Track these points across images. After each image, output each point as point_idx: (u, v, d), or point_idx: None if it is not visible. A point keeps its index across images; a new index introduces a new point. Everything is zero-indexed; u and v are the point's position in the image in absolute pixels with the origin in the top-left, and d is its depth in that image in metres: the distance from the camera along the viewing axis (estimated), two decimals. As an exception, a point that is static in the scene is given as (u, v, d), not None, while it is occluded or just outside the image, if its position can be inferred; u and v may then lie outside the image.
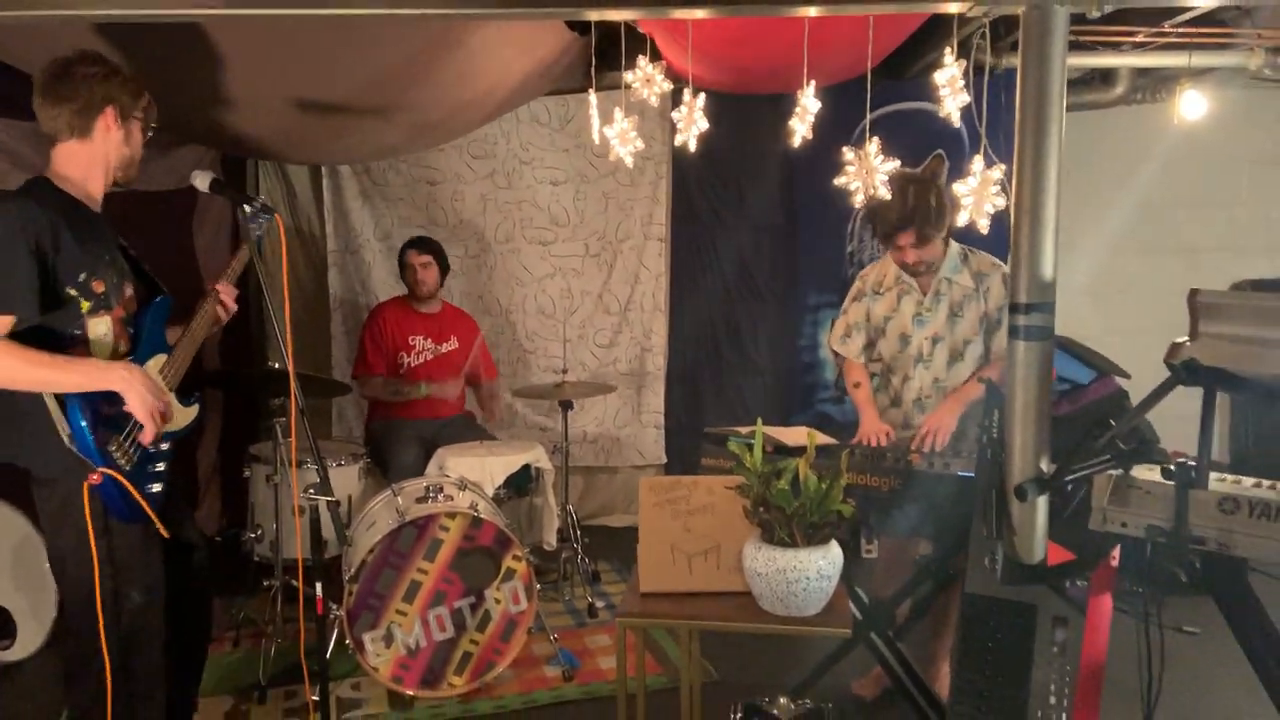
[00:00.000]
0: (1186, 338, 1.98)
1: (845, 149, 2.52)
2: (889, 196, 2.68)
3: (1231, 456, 4.31)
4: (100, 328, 2.31)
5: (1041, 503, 2.21)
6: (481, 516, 3.35)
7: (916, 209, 3.05)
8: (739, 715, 2.43)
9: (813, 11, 2.26)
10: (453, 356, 4.60)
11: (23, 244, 2.16)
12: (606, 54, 3.53)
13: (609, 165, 5.02)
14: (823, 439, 2.94)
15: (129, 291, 2.43)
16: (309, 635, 2.69)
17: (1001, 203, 2.38)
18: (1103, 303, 5.03)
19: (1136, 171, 5.16)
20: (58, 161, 2.36)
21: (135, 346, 2.42)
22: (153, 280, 2.56)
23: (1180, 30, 4.24)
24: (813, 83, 2.65)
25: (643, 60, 3.03)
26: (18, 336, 2.18)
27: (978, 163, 2.39)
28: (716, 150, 4.47)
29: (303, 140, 4.29)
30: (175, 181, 4.15)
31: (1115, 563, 2.26)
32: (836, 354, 3.48)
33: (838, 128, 3.13)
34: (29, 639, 3.58)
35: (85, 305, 2.28)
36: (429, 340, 4.55)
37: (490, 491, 3.75)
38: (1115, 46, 4.51)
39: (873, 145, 2.54)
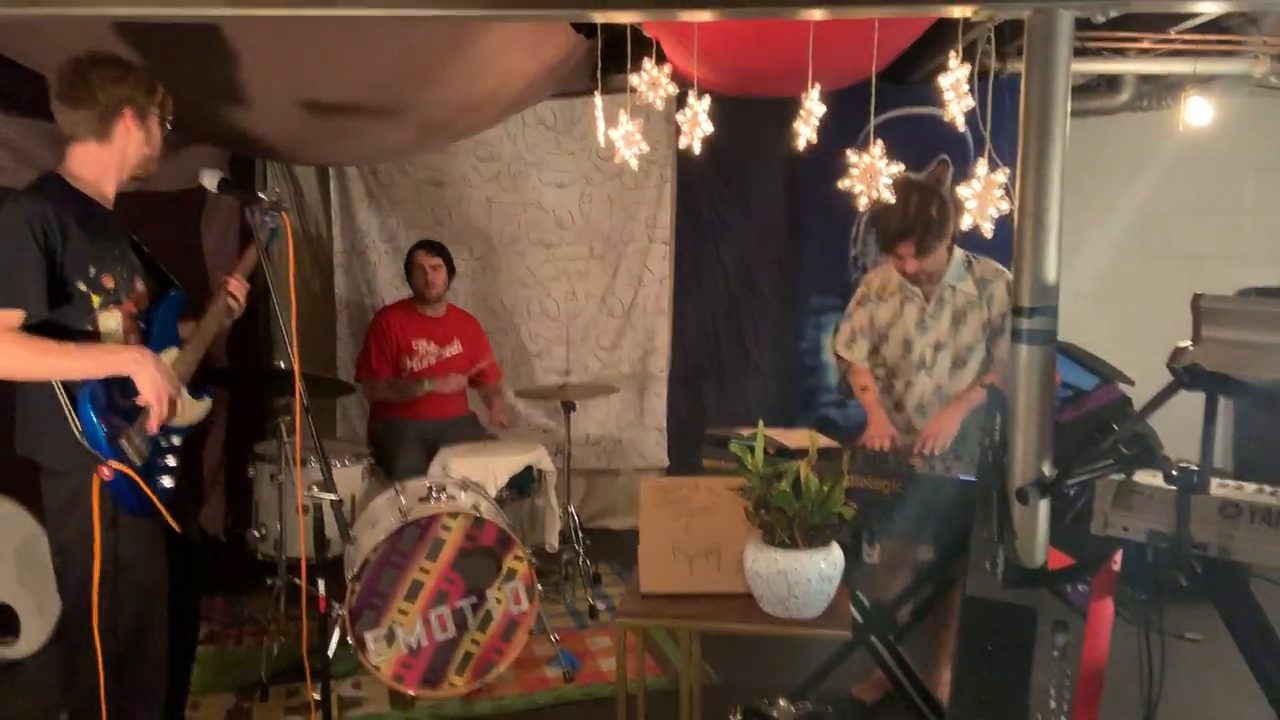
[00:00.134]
0: (1189, 342, 1.98)
1: (850, 152, 2.52)
2: (893, 200, 2.68)
3: (1235, 463, 4.31)
4: (111, 322, 2.32)
5: (1043, 506, 2.21)
6: (484, 517, 3.36)
7: (918, 219, 3.04)
8: (738, 717, 2.42)
9: (818, 14, 2.27)
10: (456, 361, 4.60)
11: (31, 240, 2.17)
12: (612, 57, 3.55)
13: (614, 168, 5.04)
14: (825, 441, 2.94)
15: (139, 287, 2.45)
16: (311, 634, 2.70)
17: (1005, 207, 2.38)
18: (1106, 309, 5.02)
19: (1141, 178, 5.15)
20: (73, 161, 2.37)
21: (146, 341, 2.43)
22: (165, 276, 2.58)
23: (1186, 37, 4.24)
24: (817, 86, 2.66)
25: (648, 63, 3.04)
26: (29, 332, 2.19)
27: (982, 166, 2.39)
28: (721, 154, 4.48)
29: (311, 140, 4.30)
30: (184, 181, 4.15)
31: (1117, 567, 2.26)
32: (840, 358, 3.48)
33: (842, 132, 3.13)
34: (33, 636, 3.59)
35: (96, 300, 2.29)
36: (433, 344, 4.56)
37: (493, 492, 3.76)
38: (1121, 53, 4.52)
39: (877, 148, 2.54)
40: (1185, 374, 1.96)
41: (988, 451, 2.38)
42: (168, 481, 2.40)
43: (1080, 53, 4.30)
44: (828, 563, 2.31)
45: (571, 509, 4.39)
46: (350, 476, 3.88)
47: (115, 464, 2.23)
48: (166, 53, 2.99)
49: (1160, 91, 4.99)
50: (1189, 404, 2.03)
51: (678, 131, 2.85)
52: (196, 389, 2.55)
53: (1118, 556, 2.26)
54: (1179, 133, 4.73)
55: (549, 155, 5.19)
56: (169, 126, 2.52)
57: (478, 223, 5.25)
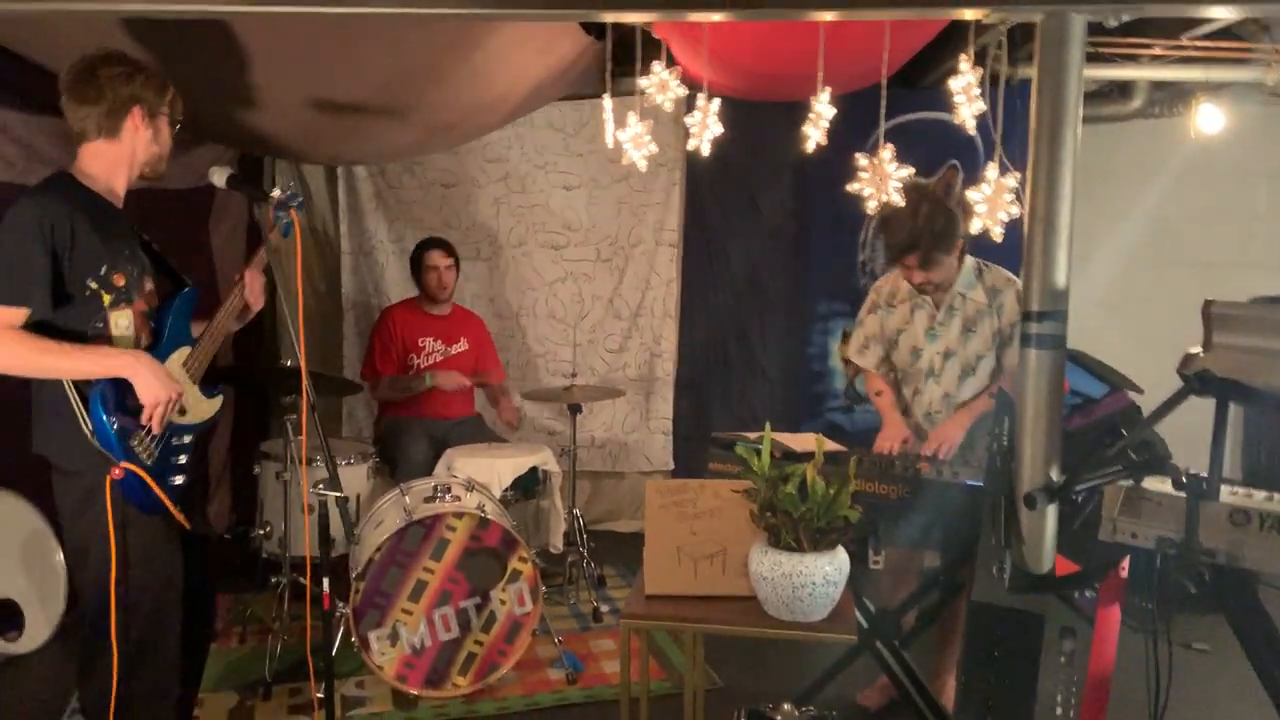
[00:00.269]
0: (1200, 348, 1.97)
1: (859, 155, 2.51)
2: (902, 203, 2.67)
3: (1244, 470, 4.28)
4: (122, 321, 2.32)
5: (1051, 512, 2.20)
6: (488, 517, 3.35)
7: (924, 231, 3.02)
8: (742, 722, 2.42)
9: (829, 16, 2.26)
10: (462, 358, 4.61)
11: (39, 239, 2.18)
12: (621, 59, 3.55)
13: (622, 171, 5.04)
14: (831, 446, 2.93)
15: (150, 285, 2.45)
16: (315, 632, 2.70)
17: (1015, 211, 2.38)
18: (1117, 316, 5.00)
19: (1153, 185, 5.14)
20: (84, 159, 2.38)
21: (157, 340, 2.43)
22: (176, 274, 2.57)
23: (1198, 44, 4.23)
24: (827, 89, 2.66)
25: (658, 65, 3.04)
26: (41, 332, 2.19)
27: (992, 170, 2.38)
28: (730, 157, 4.48)
29: (320, 139, 4.31)
30: (193, 180, 4.18)
31: (1124, 574, 2.24)
32: (848, 363, 3.48)
33: (851, 136, 3.12)
34: (37, 631, 3.60)
35: (107, 299, 2.29)
36: (439, 342, 4.56)
37: (497, 493, 3.75)
38: (1133, 59, 4.50)
39: (886, 152, 2.54)
40: (1196, 380, 1.95)
41: (996, 457, 2.37)
42: (179, 480, 2.40)
43: (1092, 58, 4.29)
44: (833, 566, 2.29)
45: (576, 511, 4.38)
46: (355, 475, 3.88)
47: (126, 464, 2.23)
48: (177, 51, 3.00)
49: (1172, 98, 4.97)
50: (1197, 412, 2.01)
51: (686, 134, 2.85)
52: (208, 387, 2.55)
53: (1125, 563, 2.25)
54: (1190, 140, 4.72)
55: (557, 157, 5.20)
56: (178, 127, 2.52)
57: (485, 224, 5.26)
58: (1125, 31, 4.03)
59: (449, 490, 3.50)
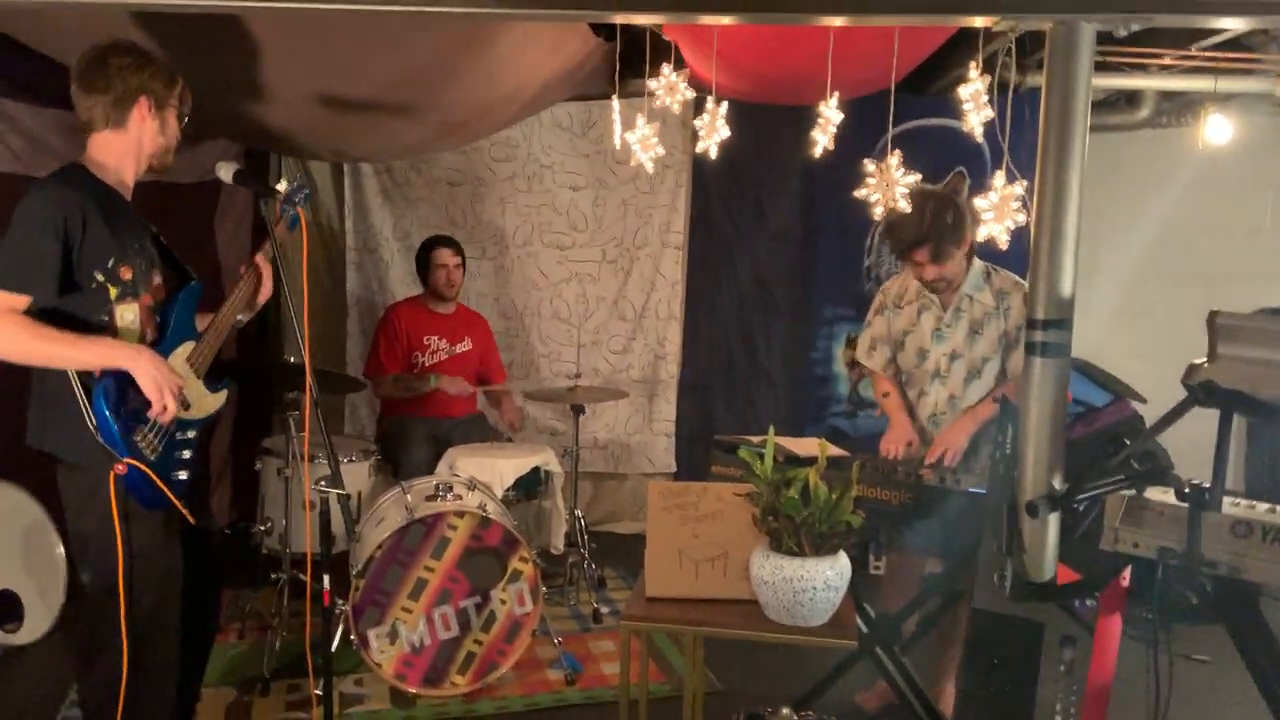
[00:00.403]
0: (1205, 359, 1.97)
1: (867, 161, 2.52)
2: (909, 209, 2.68)
3: (1246, 485, 4.28)
4: (128, 315, 2.33)
5: (1053, 520, 2.20)
6: (490, 517, 3.35)
7: (933, 225, 3.04)
8: (741, 725, 2.42)
9: (839, 21, 2.26)
10: (467, 357, 4.61)
11: (49, 228, 2.18)
12: (630, 61, 3.55)
13: (629, 172, 5.04)
14: (834, 451, 2.93)
15: (157, 279, 2.45)
16: (314, 629, 2.70)
17: (1022, 219, 2.38)
18: (1122, 326, 5.00)
19: (1160, 195, 5.13)
20: (93, 149, 2.38)
21: (163, 334, 2.43)
22: (183, 268, 2.57)
23: (1207, 54, 4.23)
24: (836, 94, 2.66)
25: (666, 67, 3.04)
26: (49, 322, 2.19)
27: (999, 178, 2.38)
28: (737, 160, 4.48)
29: (328, 136, 4.32)
30: (199, 174, 4.19)
31: (1126, 583, 2.24)
32: (851, 367, 3.48)
33: (858, 142, 3.13)
34: (36, 623, 3.59)
35: (113, 292, 2.29)
36: (444, 340, 4.56)
37: (499, 493, 3.75)
38: (1142, 68, 4.50)
39: (894, 158, 2.54)
40: (1200, 390, 1.94)
41: (999, 464, 2.37)
42: (183, 475, 2.40)
43: (1101, 67, 4.29)
44: (834, 571, 2.29)
45: (578, 512, 4.38)
46: (357, 473, 3.88)
47: (130, 460, 2.23)
48: (186, 43, 3.00)
49: (1180, 108, 4.97)
50: (1199, 424, 2.01)
51: (694, 136, 2.86)
52: (213, 381, 2.55)
53: (1127, 573, 2.24)
54: (1198, 150, 4.71)
55: (564, 157, 5.20)
56: (185, 121, 2.53)
57: (491, 223, 5.26)
58: (1134, 41, 4.03)
59: (451, 489, 3.50)
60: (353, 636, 3.25)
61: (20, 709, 3.26)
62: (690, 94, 3.03)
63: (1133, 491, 2.07)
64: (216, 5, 2.34)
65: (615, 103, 3.19)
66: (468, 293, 4.94)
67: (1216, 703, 3.34)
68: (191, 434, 2.45)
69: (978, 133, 2.55)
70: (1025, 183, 2.36)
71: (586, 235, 5.29)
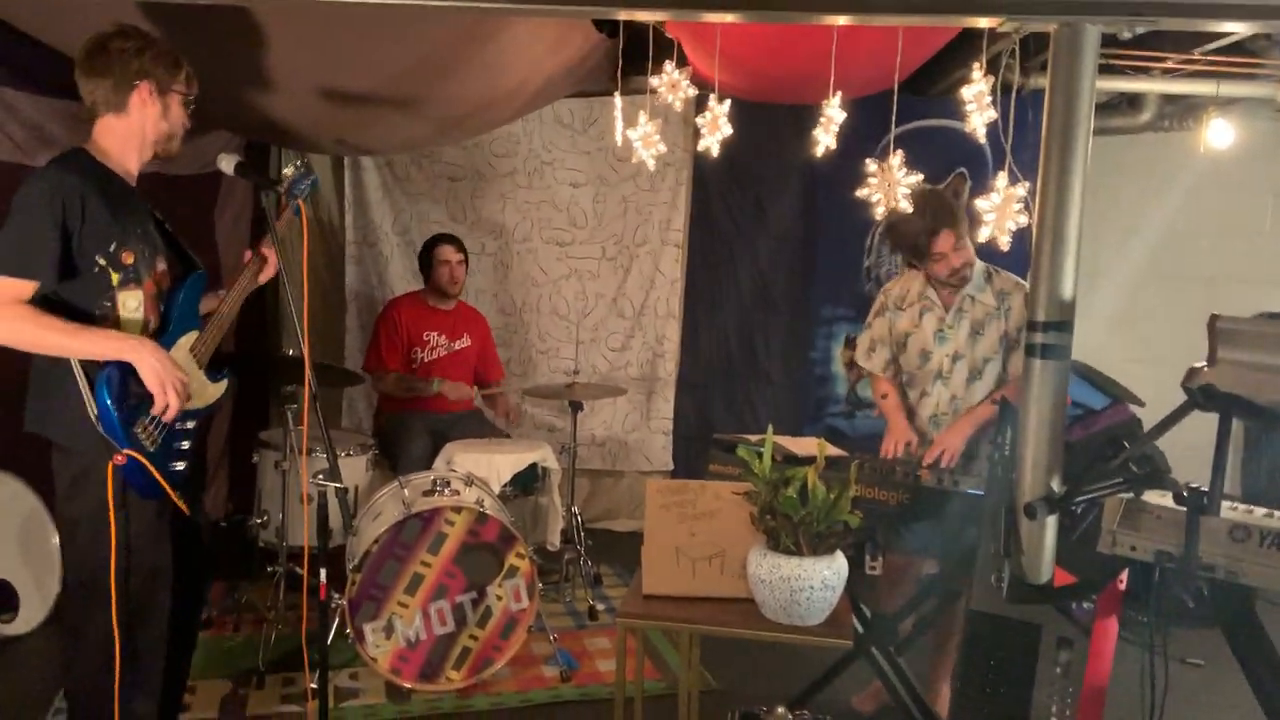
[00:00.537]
0: (1205, 363, 1.97)
1: (869, 161, 2.52)
2: (910, 209, 2.67)
3: (1243, 488, 4.28)
4: (130, 302, 2.31)
5: (1051, 522, 2.20)
6: (487, 512, 3.35)
7: (949, 213, 3.06)
8: (736, 723, 2.41)
9: (843, 20, 2.26)
10: (466, 354, 4.61)
11: (50, 214, 2.17)
12: (632, 57, 3.55)
13: (629, 169, 5.04)
14: (833, 451, 2.93)
15: (161, 266, 2.43)
16: (310, 623, 2.69)
17: (1024, 220, 2.38)
18: (1122, 330, 5.01)
19: (1161, 198, 5.13)
20: (97, 135, 2.38)
21: (166, 322, 2.42)
22: (189, 256, 2.56)
23: (1209, 58, 4.23)
24: (839, 93, 2.66)
25: (669, 65, 3.03)
26: (48, 309, 2.19)
27: (1001, 179, 2.38)
28: (738, 159, 4.47)
29: (329, 128, 4.31)
30: (198, 166, 4.18)
31: (1123, 586, 2.24)
32: (849, 367, 3.48)
33: (860, 142, 3.12)
34: (31, 614, 3.60)
35: (115, 277, 2.27)
36: (443, 336, 4.56)
37: (496, 489, 3.75)
38: (1144, 71, 4.50)
39: (896, 158, 2.54)
40: (1200, 394, 1.95)
41: (997, 465, 2.37)
42: (181, 465, 2.40)
43: (1103, 70, 4.28)
44: (831, 570, 2.29)
45: (575, 509, 4.38)
46: (354, 467, 3.88)
47: (129, 451, 2.23)
48: (189, 33, 2.99)
49: (1182, 112, 4.97)
50: (1197, 429, 2.01)
51: (695, 134, 2.85)
52: (213, 371, 2.54)
53: (1124, 576, 2.24)
54: (1200, 154, 4.71)
55: (565, 154, 5.20)
56: (192, 107, 2.51)
57: (491, 218, 5.25)
58: (1137, 44, 4.02)
59: (448, 484, 3.49)
60: (348, 630, 3.24)
61: (15, 699, 3.26)
62: (692, 92, 3.02)
63: (1131, 495, 2.07)
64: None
65: (617, 99, 3.18)
66: (466, 288, 4.93)
67: (1211, 706, 3.34)
68: (191, 424, 2.44)
69: (980, 134, 2.55)
70: (1027, 184, 2.36)
71: (586, 232, 5.28)
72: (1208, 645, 2.60)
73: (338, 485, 2.47)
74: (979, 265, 3.20)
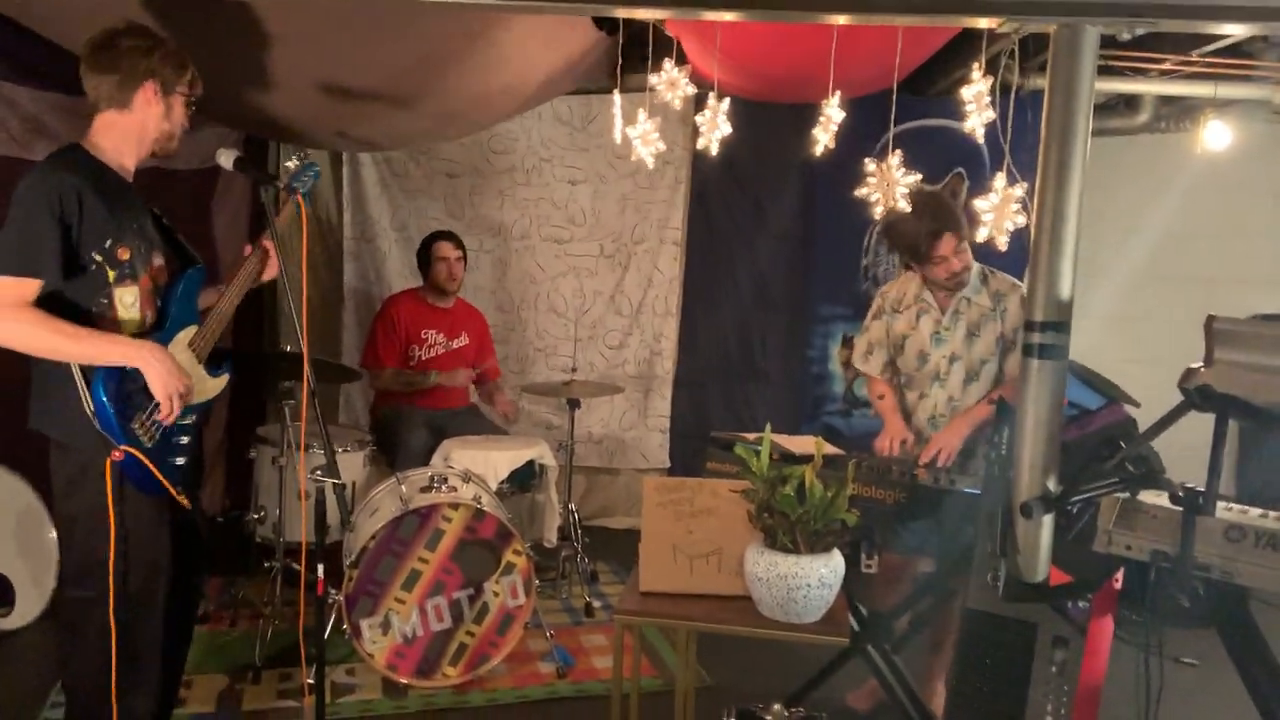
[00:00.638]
0: (1201, 364, 1.97)
1: (867, 160, 2.52)
2: (908, 209, 2.68)
3: (1238, 489, 4.29)
4: (127, 298, 2.31)
5: (1047, 521, 2.21)
6: (484, 509, 3.36)
7: (951, 216, 3.07)
8: (732, 720, 2.42)
9: (842, 19, 2.27)
10: (464, 352, 4.61)
11: (48, 211, 2.17)
12: (632, 55, 3.55)
13: (628, 167, 5.04)
14: (830, 449, 2.94)
15: (158, 261, 2.42)
16: (306, 618, 2.69)
17: (1022, 220, 2.38)
18: (1120, 331, 5.02)
19: (1157, 199, 5.14)
20: (96, 130, 2.38)
21: (164, 317, 2.42)
22: (187, 251, 2.56)
23: (1207, 60, 4.24)
24: (838, 93, 2.66)
25: (668, 63, 3.04)
26: (48, 307, 2.19)
27: (999, 179, 2.39)
28: (736, 158, 4.48)
29: (328, 124, 4.30)
30: (197, 161, 4.18)
31: (1118, 585, 2.25)
32: (847, 366, 3.49)
33: (859, 141, 3.12)
34: (28, 608, 3.59)
35: (111, 274, 2.27)
36: (441, 334, 4.56)
37: (493, 485, 3.76)
38: (1142, 73, 4.51)
39: (895, 158, 2.54)
40: (1196, 395, 1.95)
41: (994, 465, 2.37)
42: (179, 460, 2.40)
43: (1100, 71, 4.28)
44: (828, 569, 2.30)
45: (572, 506, 4.38)
46: (352, 463, 3.88)
47: (126, 447, 2.23)
48: (190, 27, 2.99)
49: (1179, 114, 4.98)
50: (1193, 430, 2.02)
51: (694, 132, 2.85)
52: (213, 365, 2.54)
53: (1119, 575, 2.25)
54: (1197, 156, 4.72)
55: (564, 151, 5.20)
56: (193, 109, 2.51)
57: (489, 215, 5.25)
58: (1134, 45, 4.03)
59: (445, 481, 3.50)
60: (345, 626, 3.25)
61: (12, 693, 3.26)
62: (692, 90, 3.02)
63: (1127, 494, 2.08)
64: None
65: (616, 97, 3.18)
66: (464, 285, 4.93)
67: (1206, 706, 3.35)
68: (190, 419, 2.44)
69: (979, 134, 2.56)
70: (1025, 185, 2.37)
71: (585, 230, 5.28)
72: (1203, 645, 2.61)
73: (335, 481, 2.47)
74: (975, 267, 3.21)
